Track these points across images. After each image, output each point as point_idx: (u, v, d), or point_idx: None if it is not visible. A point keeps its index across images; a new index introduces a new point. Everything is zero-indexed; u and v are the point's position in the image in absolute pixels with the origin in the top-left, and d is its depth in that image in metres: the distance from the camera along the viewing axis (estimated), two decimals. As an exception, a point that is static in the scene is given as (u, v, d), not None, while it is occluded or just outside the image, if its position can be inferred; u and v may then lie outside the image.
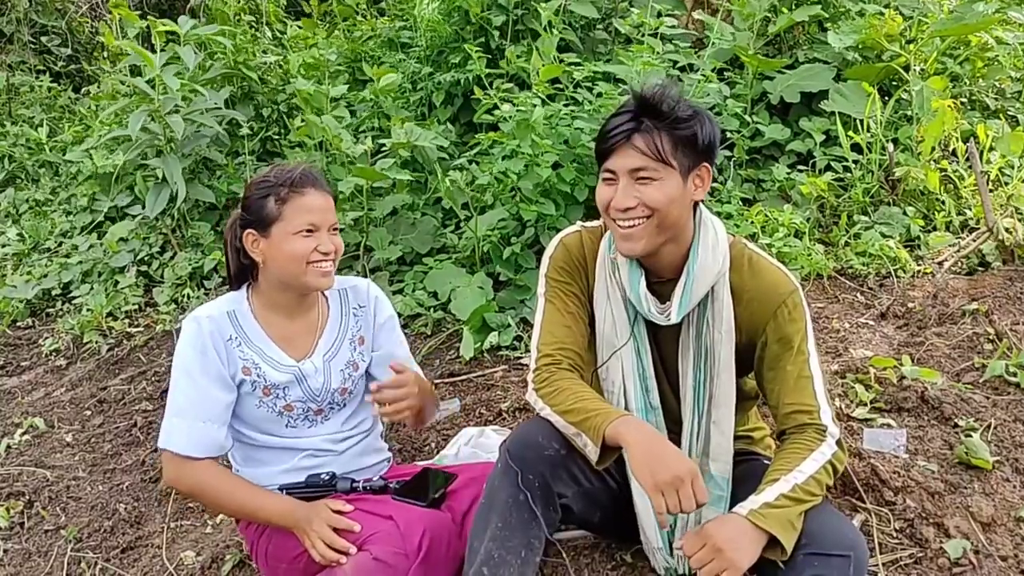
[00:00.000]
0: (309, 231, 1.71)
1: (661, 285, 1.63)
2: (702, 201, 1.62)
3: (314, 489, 1.78)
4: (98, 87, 5.74)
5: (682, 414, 1.66)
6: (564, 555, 1.82)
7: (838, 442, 1.53)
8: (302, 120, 3.57)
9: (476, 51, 3.38)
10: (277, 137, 4.02)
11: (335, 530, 1.64)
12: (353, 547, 1.61)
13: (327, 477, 1.79)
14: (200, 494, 1.72)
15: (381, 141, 3.33)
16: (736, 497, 1.59)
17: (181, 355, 1.72)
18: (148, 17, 3.98)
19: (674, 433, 1.67)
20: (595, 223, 1.74)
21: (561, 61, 3.34)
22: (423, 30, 4.00)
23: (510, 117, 3.04)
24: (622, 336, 1.65)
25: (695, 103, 1.58)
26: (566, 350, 1.62)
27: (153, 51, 3.61)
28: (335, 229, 1.78)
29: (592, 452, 1.48)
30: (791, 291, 1.60)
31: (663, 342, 1.68)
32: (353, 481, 1.81)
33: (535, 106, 3.02)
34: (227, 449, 1.77)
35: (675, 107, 1.51)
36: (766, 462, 1.73)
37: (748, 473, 1.65)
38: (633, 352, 1.65)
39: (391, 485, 1.80)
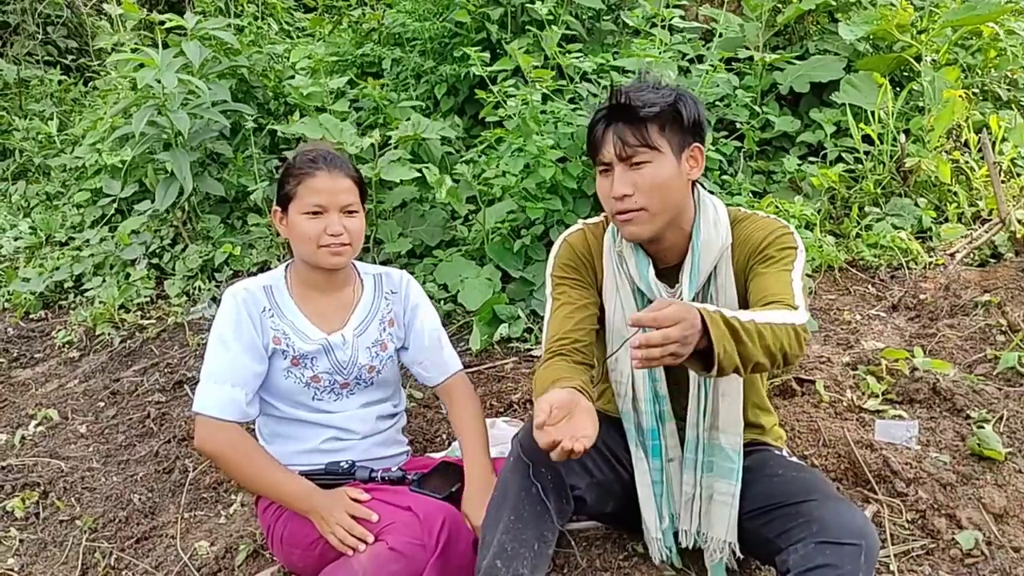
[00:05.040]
0: (316, 212, 1.76)
1: (667, 271, 1.66)
2: (700, 183, 1.65)
3: (333, 476, 1.80)
4: (104, 81, 5.74)
5: (689, 388, 1.66)
6: (576, 545, 1.83)
7: (807, 324, 1.45)
8: (300, 117, 3.55)
9: (476, 52, 3.24)
10: (284, 133, 4.01)
11: (353, 518, 1.66)
12: (371, 535, 1.62)
13: (346, 465, 1.82)
14: (225, 458, 1.73)
15: (388, 134, 3.31)
16: (746, 485, 1.60)
17: (217, 324, 1.79)
18: (155, 11, 3.97)
19: (683, 420, 1.68)
20: (596, 219, 1.78)
21: (567, 53, 3.30)
22: (421, 27, 3.97)
23: (514, 115, 3.01)
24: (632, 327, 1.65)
25: (674, 85, 1.62)
26: (563, 340, 1.64)
27: (156, 43, 3.61)
28: (350, 211, 1.79)
29: None
30: (783, 227, 1.60)
31: None
32: (372, 470, 1.83)
33: (534, 102, 2.99)
34: (252, 416, 1.81)
35: (655, 94, 1.53)
36: (777, 453, 1.73)
37: (759, 463, 1.66)
38: None
39: (409, 476, 1.82)
